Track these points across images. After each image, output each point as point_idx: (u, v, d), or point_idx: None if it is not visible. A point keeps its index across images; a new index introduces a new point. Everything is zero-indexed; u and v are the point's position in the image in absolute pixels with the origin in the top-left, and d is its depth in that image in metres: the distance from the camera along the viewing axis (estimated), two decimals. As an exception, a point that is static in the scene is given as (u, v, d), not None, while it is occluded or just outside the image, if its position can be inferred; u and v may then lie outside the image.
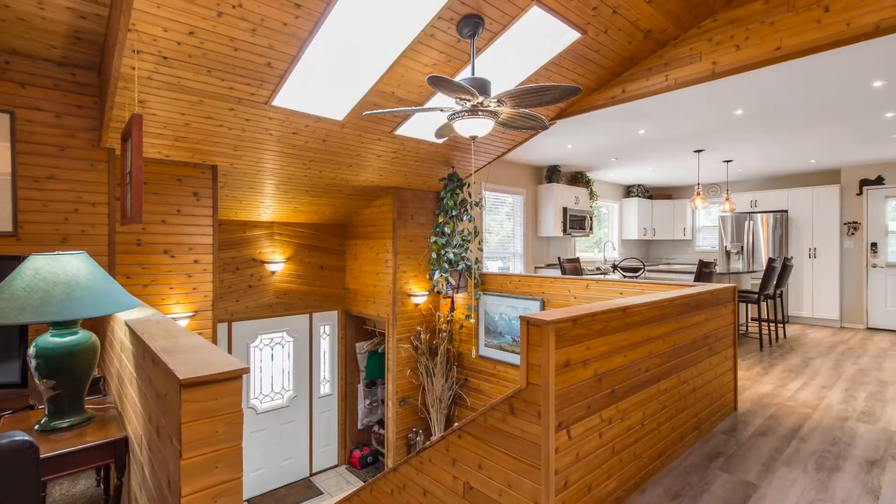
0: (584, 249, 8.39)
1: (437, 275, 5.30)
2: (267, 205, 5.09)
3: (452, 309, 5.49)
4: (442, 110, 2.74)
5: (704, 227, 8.96)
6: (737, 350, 3.13)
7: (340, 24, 2.71)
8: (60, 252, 2.00)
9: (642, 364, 2.17)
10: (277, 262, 5.64)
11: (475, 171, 5.78)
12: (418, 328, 5.49)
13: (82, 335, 1.81)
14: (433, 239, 5.34)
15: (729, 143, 5.54)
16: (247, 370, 1.15)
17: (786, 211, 7.15)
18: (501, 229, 6.80)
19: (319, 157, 4.15)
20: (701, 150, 5.95)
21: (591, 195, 7.72)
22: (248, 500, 5.54)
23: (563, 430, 1.73)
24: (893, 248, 6.34)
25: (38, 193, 3.06)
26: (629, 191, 9.03)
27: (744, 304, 5.93)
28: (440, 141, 4.49)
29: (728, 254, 7.56)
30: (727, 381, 3.01)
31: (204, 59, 2.72)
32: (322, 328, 6.23)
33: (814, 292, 6.84)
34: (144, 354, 1.46)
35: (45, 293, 1.61)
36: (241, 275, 5.41)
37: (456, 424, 2.06)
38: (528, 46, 3.28)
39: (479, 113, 2.68)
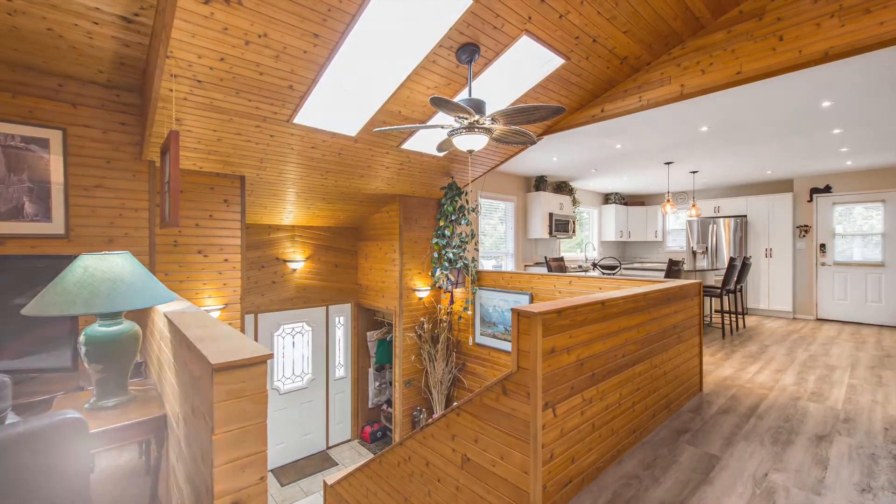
0: (568, 249, 8.39)
1: (438, 272, 5.30)
2: (289, 210, 5.09)
3: (452, 302, 5.48)
4: (443, 127, 2.74)
5: (674, 230, 8.95)
6: (702, 338, 3.12)
7: (354, 51, 2.70)
8: (107, 252, 2.00)
9: (619, 350, 2.17)
10: (298, 260, 5.63)
11: (472, 181, 5.77)
12: (422, 319, 5.49)
13: (126, 325, 1.81)
14: (435, 240, 5.33)
15: (695, 156, 5.53)
16: (271, 356, 1.15)
17: (745, 216, 7.14)
18: (495, 232, 6.79)
19: (335, 168, 4.15)
20: (670, 163, 5.94)
21: (574, 202, 7.71)
22: (272, 470, 5.54)
23: (549, 409, 1.73)
24: (839, 248, 6.34)
25: (87, 200, 3.06)
26: (607, 198, 9.02)
27: (708, 298, 5.93)
28: (441, 154, 4.48)
29: (694, 253, 7.56)
30: (693, 366, 3.01)
31: (233, 83, 2.72)
32: (337, 319, 6.22)
33: (770, 287, 6.83)
34: (181, 342, 1.46)
35: (94, 288, 1.61)
36: (266, 272, 5.40)
37: (455, 404, 2.06)
38: (519, 71, 3.28)
39: (476, 130, 2.67)
